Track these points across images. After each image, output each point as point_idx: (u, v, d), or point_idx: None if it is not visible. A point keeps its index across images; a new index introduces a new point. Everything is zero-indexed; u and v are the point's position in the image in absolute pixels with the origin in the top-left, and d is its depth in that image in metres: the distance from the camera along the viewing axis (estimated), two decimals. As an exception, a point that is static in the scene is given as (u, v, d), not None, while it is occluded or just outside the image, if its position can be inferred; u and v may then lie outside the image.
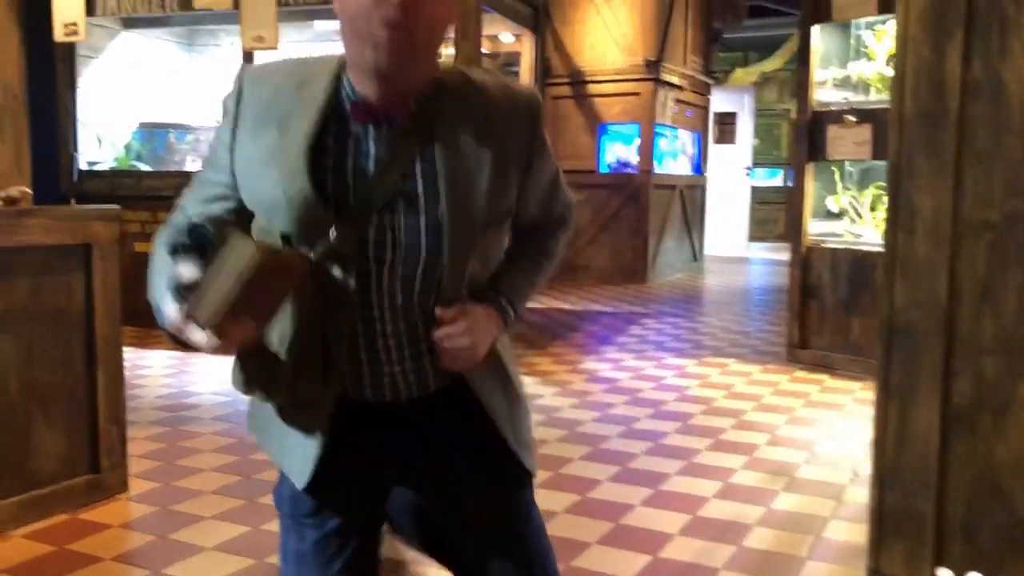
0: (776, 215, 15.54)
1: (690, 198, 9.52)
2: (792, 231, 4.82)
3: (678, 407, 3.84)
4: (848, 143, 4.54)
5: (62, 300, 2.62)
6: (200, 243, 1.21)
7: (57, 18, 5.46)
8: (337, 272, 1.29)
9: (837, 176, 4.84)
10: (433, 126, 1.31)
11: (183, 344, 1.25)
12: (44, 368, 2.56)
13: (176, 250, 1.19)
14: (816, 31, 4.66)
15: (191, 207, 1.36)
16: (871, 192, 4.78)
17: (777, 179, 15.52)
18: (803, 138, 4.69)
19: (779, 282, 8.54)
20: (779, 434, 3.46)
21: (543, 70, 7.58)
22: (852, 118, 4.50)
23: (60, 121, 5.59)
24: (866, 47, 4.70)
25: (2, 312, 2.45)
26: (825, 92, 4.73)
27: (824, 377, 4.40)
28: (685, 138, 9.52)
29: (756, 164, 13.42)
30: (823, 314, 4.68)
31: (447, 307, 1.32)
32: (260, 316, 1.23)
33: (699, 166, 9.83)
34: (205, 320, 1.18)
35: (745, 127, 11.96)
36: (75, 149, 5.66)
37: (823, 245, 4.70)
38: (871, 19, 4.56)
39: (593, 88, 8.59)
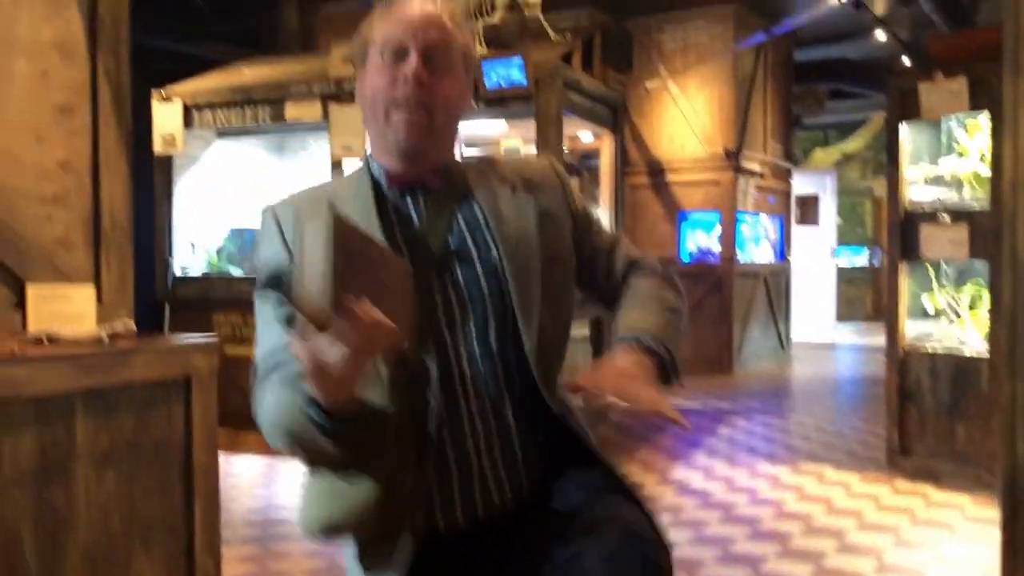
0: (863, 294, 15.17)
1: (774, 285, 9.35)
2: (888, 333, 4.65)
3: (776, 525, 3.69)
4: (943, 242, 4.40)
5: (163, 432, 2.67)
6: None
7: (157, 131, 5.74)
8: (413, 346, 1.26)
9: (932, 274, 4.69)
10: (466, 185, 1.40)
11: (339, 438, 1.14)
12: (145, 501, 2.59)
13: (277, 289, 1.11)
14: (905, 128, 4.57)
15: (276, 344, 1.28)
16: (969, 290, 4.61)
17: (862, 257, 15.20)
18: (896, 237, 4.57)
19: (870, 372, 8.26)
20: (887, 560, 3.28)
21: (622, 149, 7.62)
22: (946, 217, 4.37)
23: (157, 230, 5.82)
24: (958, 143, 4.59)
25: (107, 449, 2.50)
26: (917, 190, 4.62)
27: (929, 489, 4.19)
28: (767, 224, 9.40)
29: (840, 243, 13.16)
30: (924, 419, 4.48)
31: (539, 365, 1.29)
32: (378, 299, 1.06)
33: (782, 252, 9.67)
34: (318, 304, 1.02)
35: (828, 208, 11.77)
36: (170, 255, 5.87)
37: (921, 348, 4.52)
38: (962, 114, 4.46)
39: (672, 177, 8.58)
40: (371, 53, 1.39)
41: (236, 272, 6.04)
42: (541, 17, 5.26)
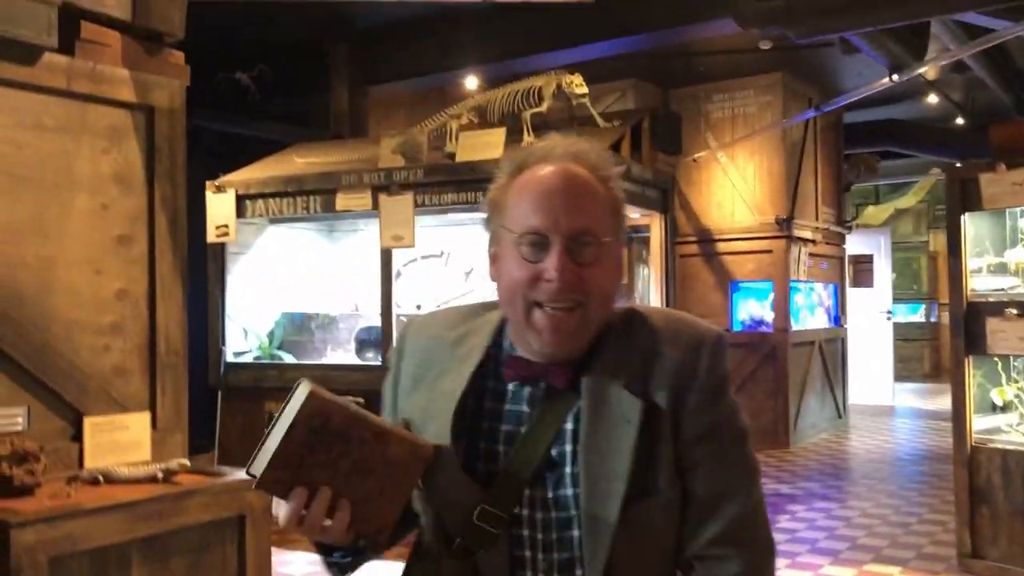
0: (920, 352, 14.82)
1: (830, 352, 9.15)
2: (955, 428, 4.49)
3: (844, 645, 3.54)
4: (1011, 337, 4.25)
5: (216, 573, 2.64)
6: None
7: (210, 221, 5.83)
8: (488, 561, 1.16)
9: (1000, 367, 4.53)
10: (586, 381, 1.19)
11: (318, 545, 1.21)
12: (199, 644, 2.56)
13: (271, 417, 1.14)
14: (966, 219, 4.46)
15: None
16: (1042, 383, 4.45)
17: (919, 315, 14.87)
18: (959, 330, 4.43)
19: (933, 444, 8.01)
20: None
21: (673, 222, 7.57)
22: (1014, 311, 4.23)
23: (210, 318, 5.88)
24: (1023, 234, 4.46)
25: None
26: (981, 280, 4.48)
27: (1005, 598, 4.00)
28: (821, 291, 9.24)
29: (896, 300, 12.90)
30: (996, 520, 4.29)
31: None
32: (356, 495, 1.09)
33: (837, 318, 9.48)
34: (256, 472, 1.06)
35: (882, 269, 11.55)
36: (223, 343, 5.92)
37: (991, 444, 4.35)
38: (1025, 204, 4.34)
39: (722, 246, 8.49)
40: (504, 230, 1.18)
41: (287, 358, 6.07)
42: (589, 105, 5.27)
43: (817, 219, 8.89)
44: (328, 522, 1.12)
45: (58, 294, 2.85)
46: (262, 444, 1.09)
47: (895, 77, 5.12)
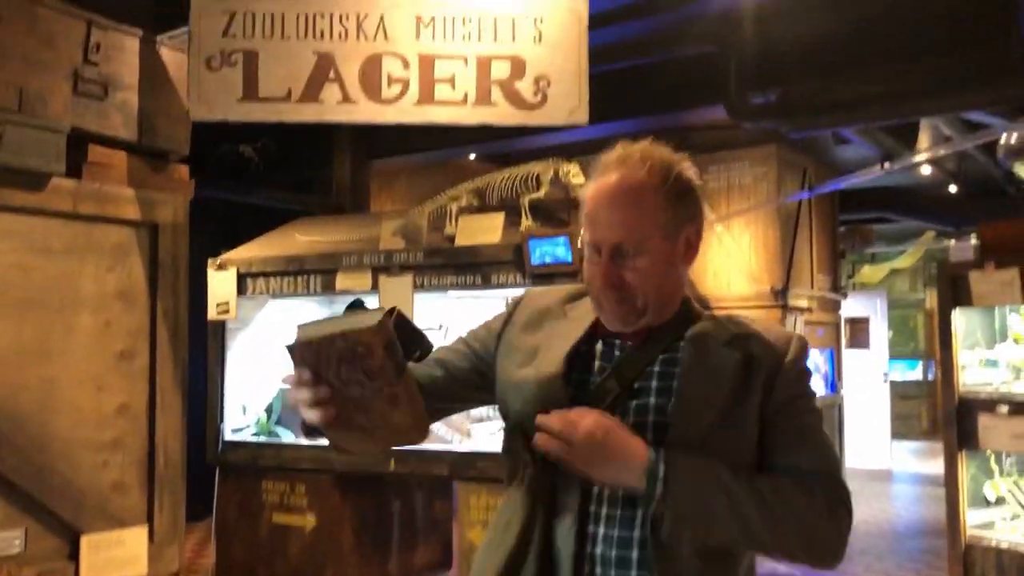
0: (918, 410, 14.82)
1: (827, 418, 9.15)
2: (949, 524, 4.51)
3: None
4: (1003, 434, 4.29)
5: None
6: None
7: (211, 299, 5.88)
8: (558, 481, 1.39)
9: (993, 461, 4.55)
10: (667, 346, 1.47)
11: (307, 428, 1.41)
12: None
13: (355, 303, 1.39)
14: (957, 314, 4.51)
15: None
16: (1034, 477, 4.47)
17: (916, 372, 14.89)
18: (952, 426, 4.46)
19: (930, 515, 8.00)
20: None
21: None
22: (1004, 408, 4.26)
23: (209, 396, 5.90)
24: (1012, 330, 4.51)
25: None
26: (972, 374, 4.53)
27: None
28: (817, 357, 9.27)
29: (893, 357, 12.93)
30: (992, 618, 4.29)
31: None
32: (345, 409, 1.28)
33: (833, 384, 9.50)
34: (292, 343, 1.26)
35: (879, 331, 11.60)
36: (221, 421, 5.94)
37: (985, 543, 4.37)
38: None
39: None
40: (583, 223, 1.51)
41: (286, 435, 6.08)
42: (586, 191, 5.34)
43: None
44: (314, 412, 1.33)
45: (59, 413, 2.89)
46: (323, 320, 1.31)
47: (886, 166, 5.21)
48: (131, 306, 3.07)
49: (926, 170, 9.37)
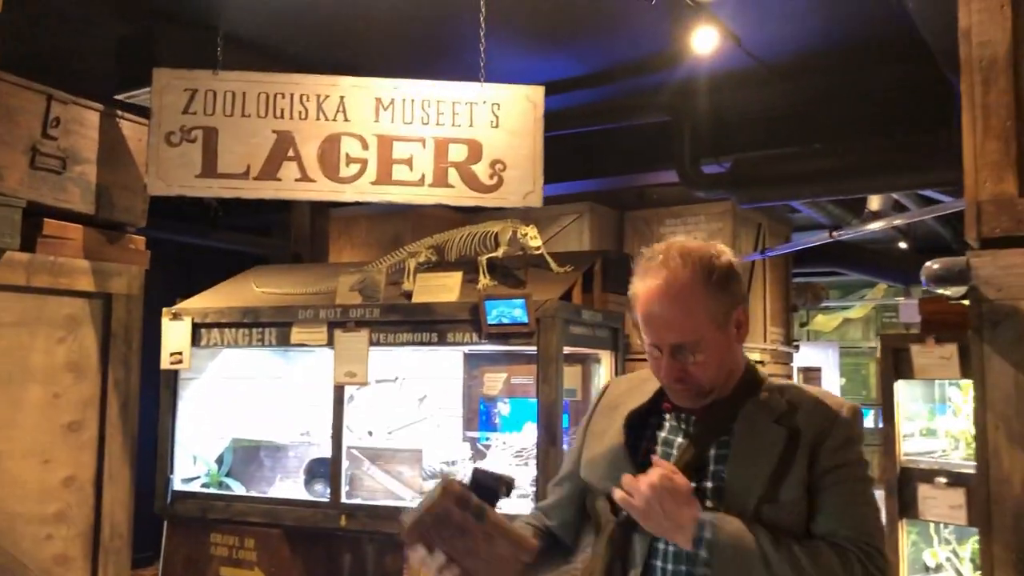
0: (869, 457, 15.00)
1: (777, 470, 9.28)
2: (889, 591, 4.60)
3: None
4: (942, 505, 4.39)
5: None
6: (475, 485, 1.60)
7: (165, 348, 5.85)
8: (641, 536, 1.58)
9: (932, 529, 4.67)
10: (726, 419, 1.58)
11: None
12: None
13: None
14: (899, 386, 4.64)
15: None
16: (971, 545, 4.58)
17: (867, 420, 15.12)
18: (893, 496, 4.57)
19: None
20: None
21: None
22: (943, 480, 4.38)
23: (159, 446, 5.85)
24: (951, 401, 4.65)
25: None
26: (913, 443, 4.65)
27: None
28: (769, 409, 9.42)
29: (844, 406, 13.14)
30: None
31: None
32: (465, 565, 1.53)
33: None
34: (402, 527, 1.55)
35: (831, 381, 11.81)
36: (171, 471, 5.88)
37: (923, 610, 4.47)
38: (954, 376, 4.53)
39: (777, 383, 8.61)
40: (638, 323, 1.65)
41: (236, 486, 6.03)
42: (544, 252, 5.43)
43: (765, 340, 9.11)
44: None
45: (3, 487, 2.87)
46: (421, 503, 1.56)
47: (835, 234, 5.36)
48: (81, 377, 3.07)
49: (877, 225, 9.62)
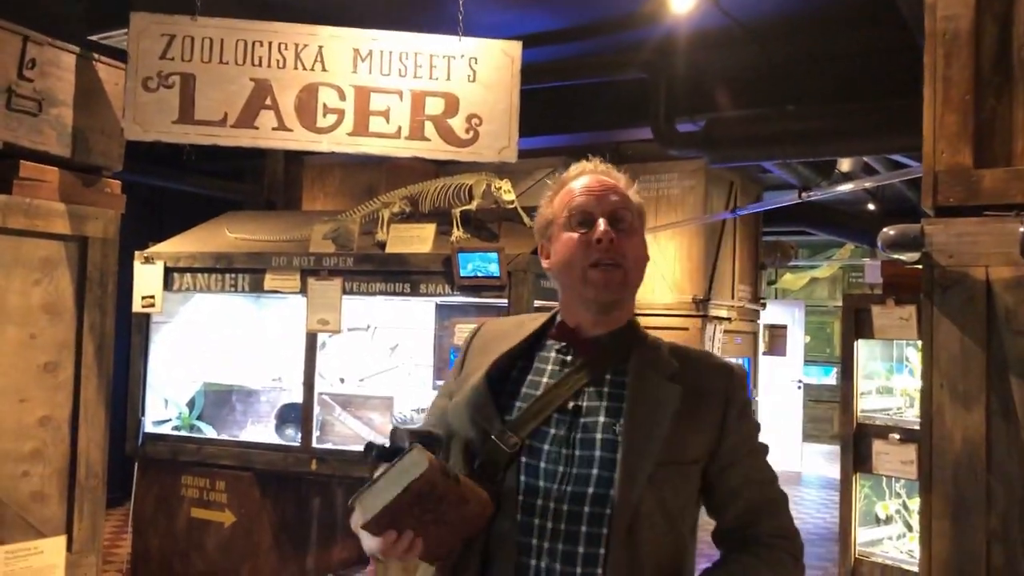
0: (830, 414, 15.34)
1: (740, 424, 9.49)
2: (841, 541, 4.79)
3: None
4: (894, 460, 4.57)
5: None
6: (395, 448, 1.45)
7: (137, 292, 5.86)
8: (503, 479, 1.46)
9: (884, 483, 4.85)
10: (614, 361, 1.54)
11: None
12: None
13: (369, 448, 1.47)
14: (860, 345, 4.78)
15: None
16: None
17: (830, 377, 15.42)
18: (848, 450, 4.74)
19: (834, 522, 8.37)
20: None
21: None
22: (896, 436, 4.55)
23: (131, 389, 5.89)
24: (908, 361, 4.80)
25: None
26: (870, 401, 4.81)
27: None
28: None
29: (809, 362, 13.42)
30: (875, 630, 4.59)
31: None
32: (429, 536, 1.36)
33: (749, 391, 9.84)
34: (361, 521, 1.33)
35: (796, 339, 12.02)
36: (142, 414, 5.93)
37: (871, 558, 4.66)
38: (913, 336, 4.67)
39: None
40: (556, 226, 1.59)
41: (207, 429, 6.09)
42: (518, 206, 5.47)
43: (733, 297, 9.25)
44: (409, 555, 1.39)
45: (-20, 426, 2.91)
46: (369, 486, 1.35)
47: (805, 195, 5.46)
48: (57, 319, 3.10)
49: (847, 187, 9.74)
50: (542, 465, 1.46)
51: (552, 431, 1.49)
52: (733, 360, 1.66)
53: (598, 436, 1.47)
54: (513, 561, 1.42)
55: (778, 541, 1.56)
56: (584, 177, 1.62)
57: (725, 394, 1.54)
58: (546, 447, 1.48)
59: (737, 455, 1.53)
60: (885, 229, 2.03)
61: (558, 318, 1.62)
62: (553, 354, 1.58)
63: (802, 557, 1.60)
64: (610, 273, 1.51)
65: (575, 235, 1.54)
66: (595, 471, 1.44)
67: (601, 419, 1.49)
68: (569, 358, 1.56)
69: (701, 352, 1.65)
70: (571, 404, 1.51)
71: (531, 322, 1.66)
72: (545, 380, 1.55)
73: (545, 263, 1.65)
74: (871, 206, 10.49)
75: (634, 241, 1.56)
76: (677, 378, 1.51)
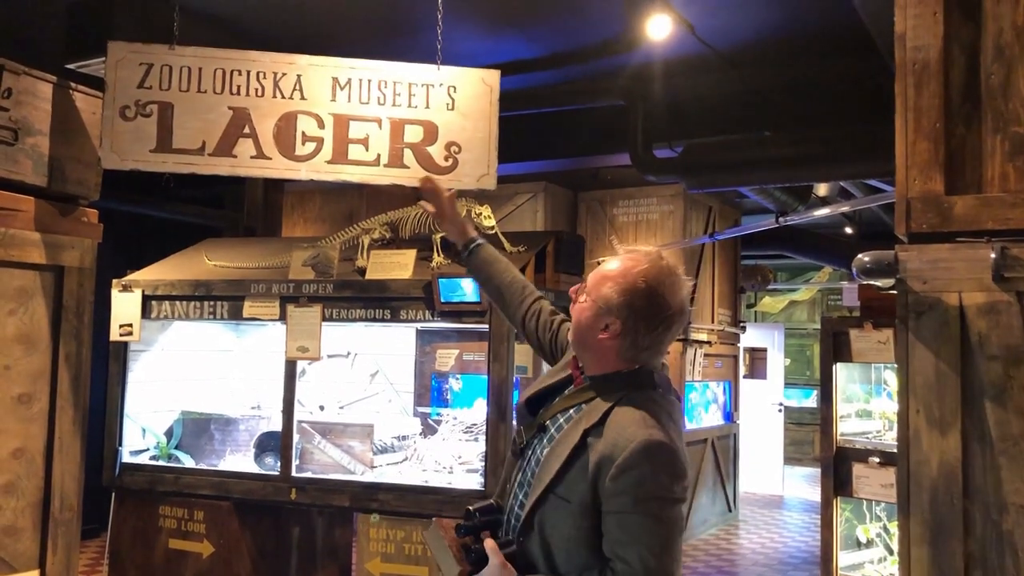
0: (811, 436, 15.38)
1: (722, 448, 9.51)
2: (823, 565, 4.80)
3: None
4: (874, 484, 4.58)
5: None
6: (491, 519, 1.96)
7: (114, 320, 5.81)
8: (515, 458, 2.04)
9: (865, 506, 4.86)
10: (583, 400, 1.93)
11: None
12: None
13: (470, 516, 1.96)
14: (838, 368, 4.81)
15: None
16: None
17: (811, 400, 15.48)
18: (829, 473, 4.75)
19: (816, 545, 8.37)
20: None
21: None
22: (876, 460, 4.57)
23: (108, 418, 5.82)
24: (887, 384, 4.83)
25: None
26: (849, 424, 4.83)
27: None
28: (715, 388, 9.63)
29: (789, 384, 13.46)
30: (857, 655, 4.58)
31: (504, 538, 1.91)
32: None
33: (729, 415, 9.88)
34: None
35: (776, 362, 12.07)
36: (120, 444, 5.86)
37: (854, 583, 4.67)
38: (891, 358, 4.70)
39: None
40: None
41: (186, 458, 6.02)
42: (498, 231, 5.48)
43: (713, 321, 9.30)
44: None
45: (-48, 458, 2.87)
46: (452, 555, 1.88)
47: (782, 219, 5.51)
48: (32, 349, 3.07)
49: (823, 211, 9.83)
50: (520, 462, 2.02)
51: (534, 440, 2.00)
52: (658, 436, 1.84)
53: (537, 455, 1.95)
54: (502, 526, 1.97)
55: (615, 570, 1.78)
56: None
57: (611, 457, 1.77)
58: (527, 450, 2.01)
59: (614, 512, 1.78)
60: (859, 256, 2.06)
61: None
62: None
63: None
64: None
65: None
66: (528, 477, 1.95)
67: (544, 441, 1.96)
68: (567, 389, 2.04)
69: (632, 419, 1.81)
70: (545, 423, 1.99)
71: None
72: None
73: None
74: (848, 229, 10.60)
75: (576, 308, 2.02)
76: (590, 431, 1.83)
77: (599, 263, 6.99)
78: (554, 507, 1.82)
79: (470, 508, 1.93)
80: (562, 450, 1.84)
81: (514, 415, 2.34)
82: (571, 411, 1.93)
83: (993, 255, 1.95)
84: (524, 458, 1.99)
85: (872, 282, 2.08)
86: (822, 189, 8.84)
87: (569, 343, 2.10)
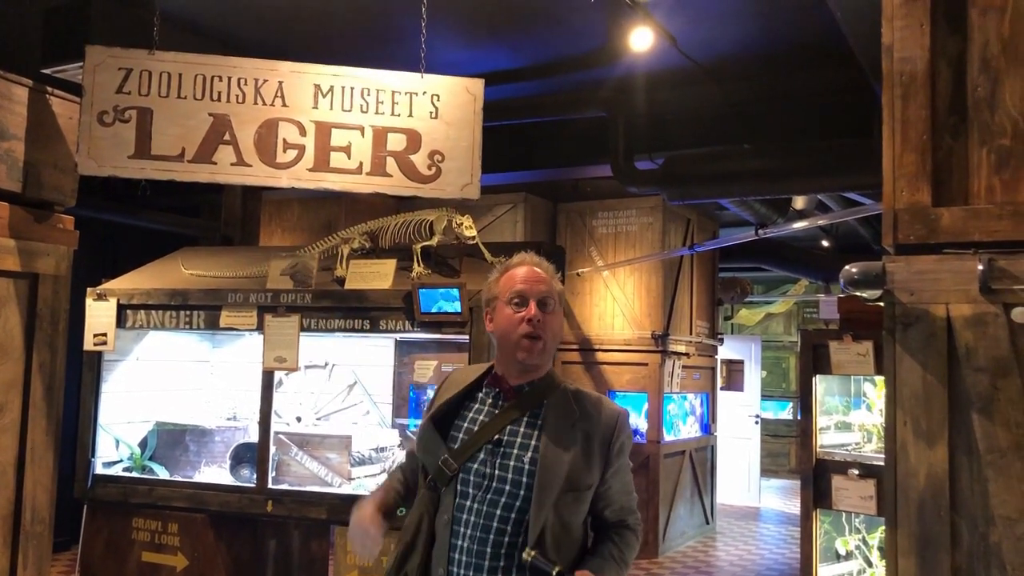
0: (787, 448, 15.46)
1: (700, 459, 9.52)
2: (802, 577, 4.80)
3: None
4: (854, 496, 4.59)
5: None
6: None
7: (88, 329, 5.72)
8: (446, 490, 2.07)
9: (844, 518, 4.87)
10: (540, 402, 2.09)
11: None
12: None
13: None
14: (817, 381, 4.82)
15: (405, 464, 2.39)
16: (880, 534, 4.79)
17: (786, 412, 15.55)
18: (808, 486, 4.75)
19: (792, 556, 8.39)
20: None
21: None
22: (855, 472, 4.58)
23: (81, 429, 5.72)
24: (866, 396, 4.85)
25: None
26: (828, 436, 4.84)
27: None
28: (693, 399, 9.64)
29: (766, 397, 13.51)
30: (837, 668, 4.58)
31: (535, 548, 1.98)
32: None
33: (707, 426, 9.89)
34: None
35: (752, 375, 12.11)
36: (92, 455, 5.76)
37: (834, 596, 4.67)
38: (870, 372, 4.72)
39: (602, 356, 8.79)
40: (499, 300, 2.16)
41: (160, 470, 5.93)
42: (479, 242, 5.46)
43: (691, 333, 9.32)
44: None
45: (-79, 470, 2.80)
46: None
47: (761, 232, 5.53)
48: (4, 357, 3.00)
49: (801, 224, 9.89)
50: (472, 479, 2.05)
51: (481, 456, 2.07)
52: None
53: (511, 463, 2.05)
54: (447, 542, 2.04)
55: (634, 526, 2.20)
56: (523, 267, 2.18)
57: (612, 435, 2.10)
58: (475, 467, 2.06)
59: (616, 476, 2.12)
60: (847, 267, 2.05)
61: (494, 369, 2.19)
62: (490, 398, 2.16)
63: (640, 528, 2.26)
64: (535, 343, 2.07)
65: (512, 312, 2.10)
66: (507, 488, 2.03)
67: (515, 451, 2.06)
68: (500, 402, 2.14)
69: (595, 398, 2.16)
70: (496, 437, 2.08)
71: (476, 371, 2.23)
72: (481, 418, 2.13)
73: (489, 326, 2.20)
74: (825, 243, 10.67)
75: (555, 319, 2.14)
76: (578, 425, 2.07)
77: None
78: (568, 501, 2.02)
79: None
80: (562, 450, 2.03)
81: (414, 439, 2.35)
82: (525, 417, 2.10)
83: (980, 267, 1.95)
84: (483, 476, 2.07)
85: (859, 293, 2.07)
86: (799, 202, 8.89)
87: (412, 455, 2.31)
